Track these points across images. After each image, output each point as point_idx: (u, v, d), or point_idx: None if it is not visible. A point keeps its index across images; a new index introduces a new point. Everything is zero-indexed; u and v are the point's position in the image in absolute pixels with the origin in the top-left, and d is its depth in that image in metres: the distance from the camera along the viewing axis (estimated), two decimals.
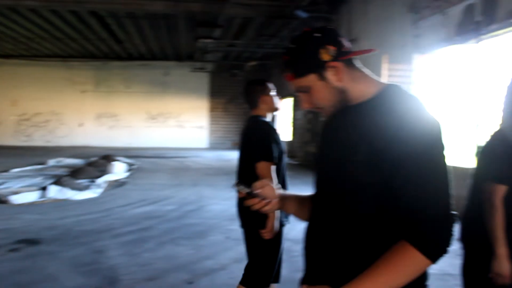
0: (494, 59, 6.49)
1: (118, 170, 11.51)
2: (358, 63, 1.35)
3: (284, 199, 1.54)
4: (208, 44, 13.79)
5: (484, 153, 2.32)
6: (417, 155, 1.15)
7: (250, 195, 1.46)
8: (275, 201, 1.49)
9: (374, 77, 1.36)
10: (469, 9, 6.40)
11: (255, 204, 1.47)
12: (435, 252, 1.15)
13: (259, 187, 1.48)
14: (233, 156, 15.31)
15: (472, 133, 6.55)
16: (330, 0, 11.17)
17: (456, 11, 6.69)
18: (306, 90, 1.34)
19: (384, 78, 7.73)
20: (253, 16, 11.94)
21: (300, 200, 1.57)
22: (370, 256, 1.21)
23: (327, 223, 1.33)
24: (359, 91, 1.32)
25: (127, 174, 11.47)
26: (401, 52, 8.15)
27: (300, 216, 1.56)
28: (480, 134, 6.14)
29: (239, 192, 1.47)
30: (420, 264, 1.16)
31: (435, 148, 1.18)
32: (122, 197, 8.27)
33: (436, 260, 1.16)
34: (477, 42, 6.34)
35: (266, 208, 1.48)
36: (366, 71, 1.37)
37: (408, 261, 1.15)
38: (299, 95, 1.38)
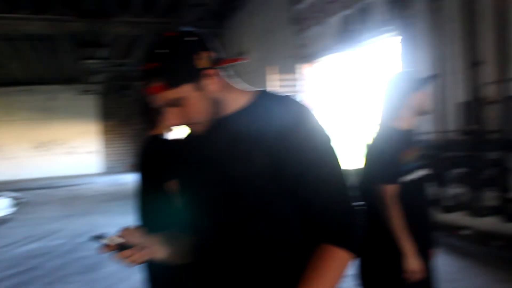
0: (372, 63, 6.94)
1: (1, 206, 10.44)
2: (229, 70, 1.24)
3: (159, 243, 1.25)
4: (94, 64, 13.17)
5: (369, 154, 2.36)
6: (318, 158, 1.11)
7: (121, 247, 1.14)
8: (151, 248, 1.20)
9: (244, 84, 1.26)
10: (346, 20, 6.75)
11: (129, 256, 1.15)
12: (355, 244, 1.14)
13: (126, 235, 1.17)
14: (129, 178, 14.72)
15: (358, 135, 6.88)
16: (216, 15, 11.27)
17: (334, 21, 7.03)
18: (178, 103, 1.13)
19: (274, 89, 7.88)
20: (140, 34, 11.64)
21: (177, 239, 1.32)
22: (291, 273, 1.14)
23: (229, 256, 1.17)
24: (233, 100, 1.20)
25: (12, 210, 10.41)
26: (287, 63, 8.40)
27: (182, 259, 1.31)
28: (366, 135, 6.45)
29: (107, 246, 1.13)
30: (347, 261, 1.13)
31: (330, 147, 1.15)
32: (4, 237, 7.44)
33: (356, 252, 1.15)
34: (355, 49, 6.73)
35: (143, 258, 1.17)
36: (236, 79, 1.26)
37: (338, 262, 1.12)
38: (167, 110, 1.15)
